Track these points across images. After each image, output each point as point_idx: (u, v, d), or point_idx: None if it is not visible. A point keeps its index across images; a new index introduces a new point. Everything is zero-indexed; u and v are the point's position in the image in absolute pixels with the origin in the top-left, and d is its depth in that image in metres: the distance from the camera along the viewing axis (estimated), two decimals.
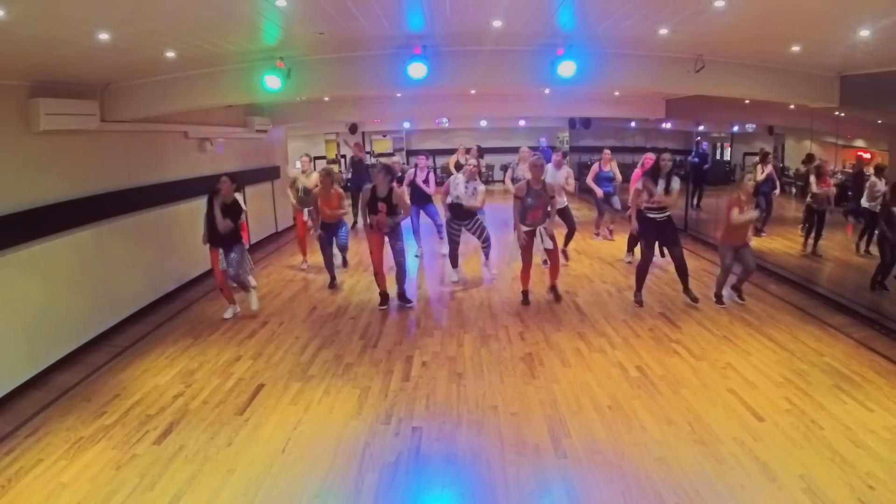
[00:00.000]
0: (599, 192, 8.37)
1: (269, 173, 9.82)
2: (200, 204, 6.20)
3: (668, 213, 5.49)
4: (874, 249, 6.35)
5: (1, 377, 4.00)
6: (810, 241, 7.36)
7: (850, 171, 7.79)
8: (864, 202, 6.70)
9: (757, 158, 8.57)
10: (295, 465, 3.15)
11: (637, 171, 7.29)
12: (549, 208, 5.60)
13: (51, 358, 4.50)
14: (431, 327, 5.27)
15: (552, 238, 5.67)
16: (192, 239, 6.15)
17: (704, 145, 7.56)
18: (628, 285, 6.37)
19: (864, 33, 3.96)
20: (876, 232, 6.43)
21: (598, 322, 5.26)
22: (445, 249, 7.07)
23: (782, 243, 7.64)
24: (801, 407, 3.59)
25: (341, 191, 6.49)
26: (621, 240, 8.92)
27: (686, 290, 5.70)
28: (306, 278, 7.13)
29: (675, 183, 5.50)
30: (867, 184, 6.67)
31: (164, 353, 4.84)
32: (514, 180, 6.99)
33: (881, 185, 6.36)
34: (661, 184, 5.45)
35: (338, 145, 16.76)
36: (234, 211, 5.42)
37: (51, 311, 4.53)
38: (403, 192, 5.63)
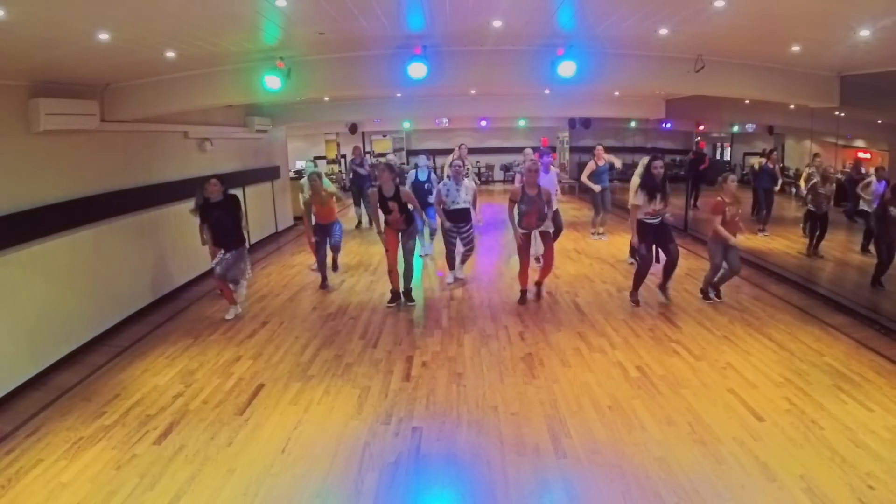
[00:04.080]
0: (597, 188, 8.44)
1: (269, 173, 9.82)
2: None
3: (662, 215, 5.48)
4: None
5: (1, 377, 4.00)
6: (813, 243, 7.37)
7: (850, 171, 7.80)
8: (862, 203, 6.71)
9: (760, 156, 8.59)
10: (295, 465, 3.15)
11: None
12: (545, 210, 5.61)
13: (51, 358, 4.50)
14: (431, 327, 5.27)
15: (549, 241, 5.73)
16: (192, 239, 6.14)
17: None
18: (628, 285, 6.35)
19: (864, 33, 3.97)
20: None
21: (598, 322, 5.26)
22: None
23: (782, 243, 7.64)
24: (801, 407, 3.59)
25: (332, 189, 6.55)
26: (618, 240, 8.93)
27: (663, 286, 5.71)
28: (306, 278, 7.13)
29: (669, 189, 5.51)
30: (862, 184, 6.67)
31: (164, 353, 4.84)
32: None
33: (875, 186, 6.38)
34: (659, 196, 5.38)
35: (338, 145, 16.83)
36: (233, 206, 5.40)
37: (51, 311, 4.52)
38: (409, 192, 5.69)
